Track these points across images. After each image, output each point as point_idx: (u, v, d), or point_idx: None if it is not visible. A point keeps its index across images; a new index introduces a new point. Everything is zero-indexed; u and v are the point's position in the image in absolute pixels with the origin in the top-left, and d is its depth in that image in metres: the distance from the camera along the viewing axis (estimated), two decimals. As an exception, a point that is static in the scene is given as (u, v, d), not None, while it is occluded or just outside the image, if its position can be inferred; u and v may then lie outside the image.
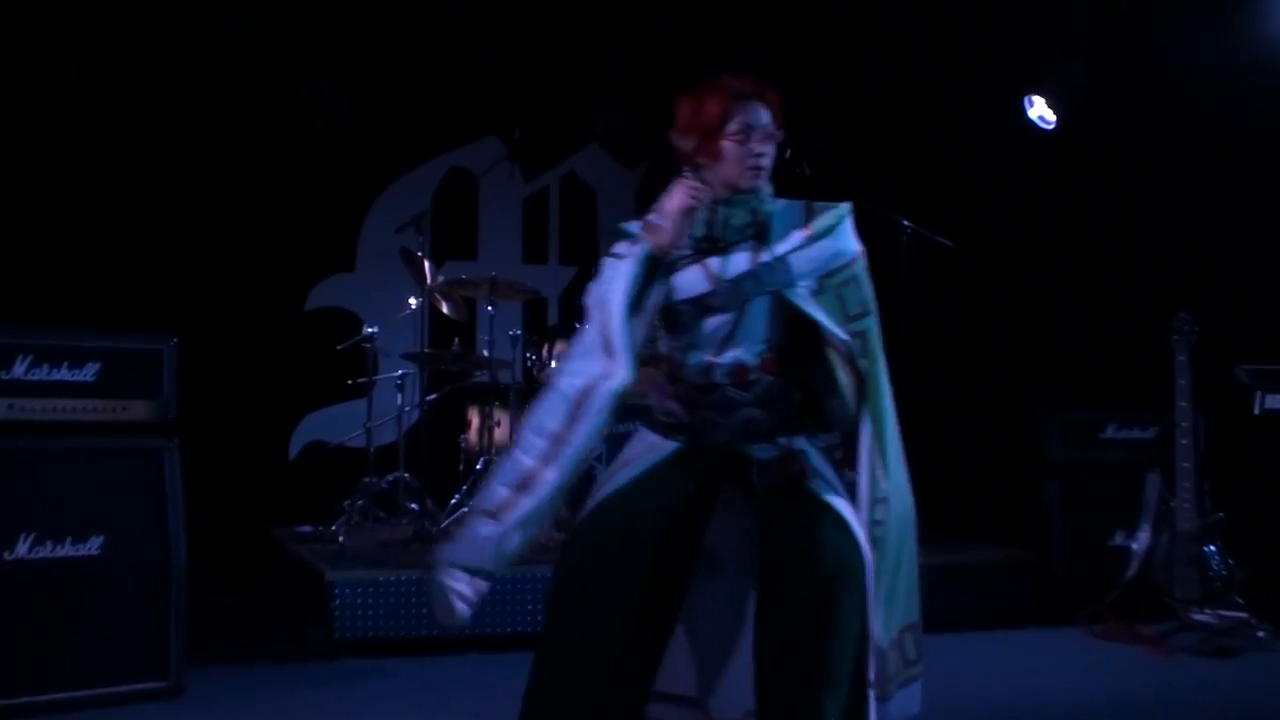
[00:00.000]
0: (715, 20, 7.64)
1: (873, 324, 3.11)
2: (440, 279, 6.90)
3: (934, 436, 7.28)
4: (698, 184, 3.04)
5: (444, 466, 7.09)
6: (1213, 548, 5.78)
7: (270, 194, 7.61)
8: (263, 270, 7.57)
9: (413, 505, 6.68)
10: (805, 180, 6.66)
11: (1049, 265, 7.36)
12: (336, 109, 7.64)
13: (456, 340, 7.02)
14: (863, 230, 3.22)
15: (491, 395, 6.83)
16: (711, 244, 3.09)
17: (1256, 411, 5.69)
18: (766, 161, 3.08)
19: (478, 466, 6.72)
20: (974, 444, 7.39)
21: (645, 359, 3.12)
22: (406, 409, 7.06)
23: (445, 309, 7.03)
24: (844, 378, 3.08)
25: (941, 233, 6.62)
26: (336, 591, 5.40)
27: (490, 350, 6.85)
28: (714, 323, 3.08)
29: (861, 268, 3.13)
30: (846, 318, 3.07)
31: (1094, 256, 7.18)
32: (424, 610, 5.44)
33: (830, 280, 3.09)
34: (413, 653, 5.35)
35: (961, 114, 7.59)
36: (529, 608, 5.46)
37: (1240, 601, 5.70)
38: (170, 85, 7.23)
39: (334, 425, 7.67)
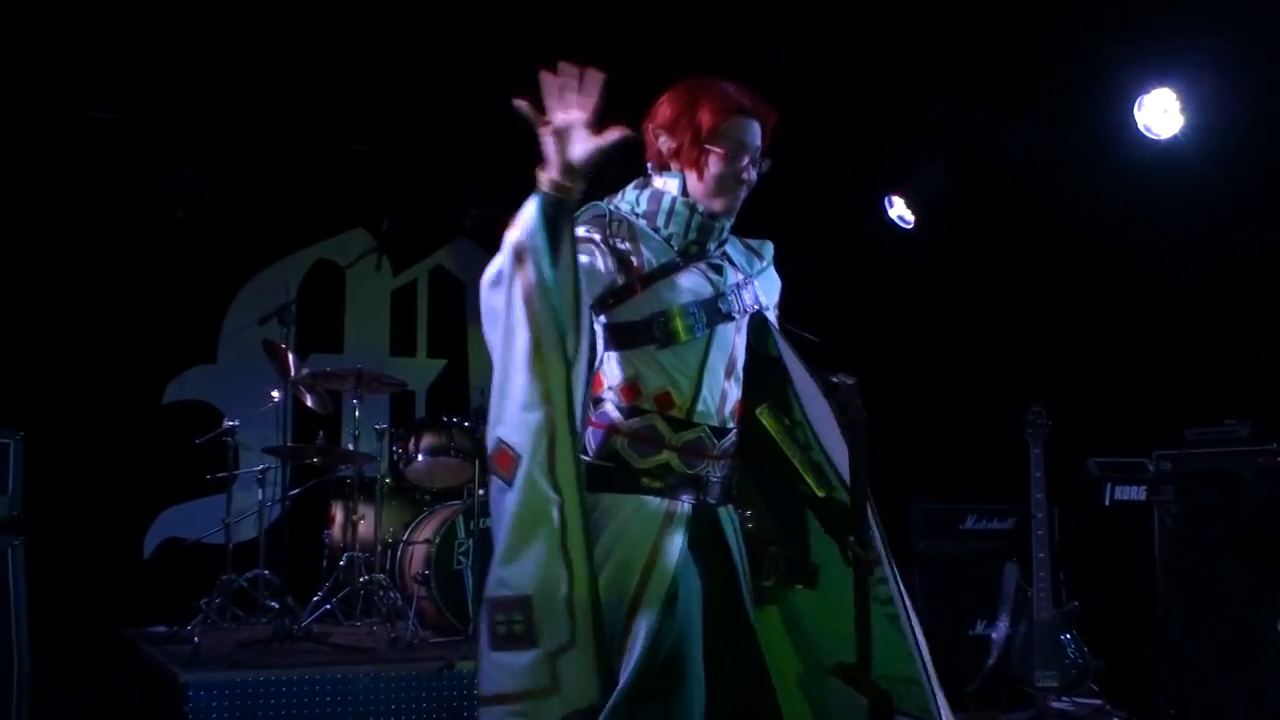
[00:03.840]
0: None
1: None
2: (304, 371, 6.86)
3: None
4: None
5: (306, 563, 7.01)
6: (1069, 636, 5.94)
7: (130, 284, 7.52)
8: (119, 362, 7.46)
9: (273, 603, 6.56)
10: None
11: (911, 360, 7.57)
12: (199, 199, 7.61)
13: (321, 434, 6.96)
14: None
15: (356, 490, 6.78)
16: (700, 249, 2.79)
17: (1107, 503, 5.89)
18: (746, 188, 2.82)
19: (340, 563, 6.64)
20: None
21: (619, 404, 2.71)
22: (268, 504, 6.97)
23: (309, 402, 6.98)
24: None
25: (805, 329, 6.78)
26: (190, 694, 5.25)
27: (355, 444, 6.81)
28: (723, 335, 2.75)
29: None
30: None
31: (953, 351, 7.41)
32: (282, 711, 5.34)
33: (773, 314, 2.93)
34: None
35: (824, 213, 7.82)
36: (393, 706, 5.39)
37: (1095, 689, 5.85)
38: (28, 172, 7.13)
39: (191, 521, 7.54)
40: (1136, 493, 5.76)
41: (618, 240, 2.72)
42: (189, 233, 7.67)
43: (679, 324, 2.71)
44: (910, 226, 7.36)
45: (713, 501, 2.78)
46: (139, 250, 7.56)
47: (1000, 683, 5.99)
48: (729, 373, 2.77)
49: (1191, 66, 5.79)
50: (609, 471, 2.68)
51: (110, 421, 7.38)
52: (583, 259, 2.57)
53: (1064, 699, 5.80)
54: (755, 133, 2.80)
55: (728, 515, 2.82)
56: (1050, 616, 5.94)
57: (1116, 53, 6.02)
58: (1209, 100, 5.77)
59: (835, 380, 2.84)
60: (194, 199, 7.62)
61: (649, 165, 2.88)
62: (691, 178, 2.80)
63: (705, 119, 2.75)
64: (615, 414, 2.72)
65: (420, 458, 6.72)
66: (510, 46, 6.91)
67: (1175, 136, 5.94)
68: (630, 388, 2.72)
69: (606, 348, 2.74)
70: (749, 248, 2.96)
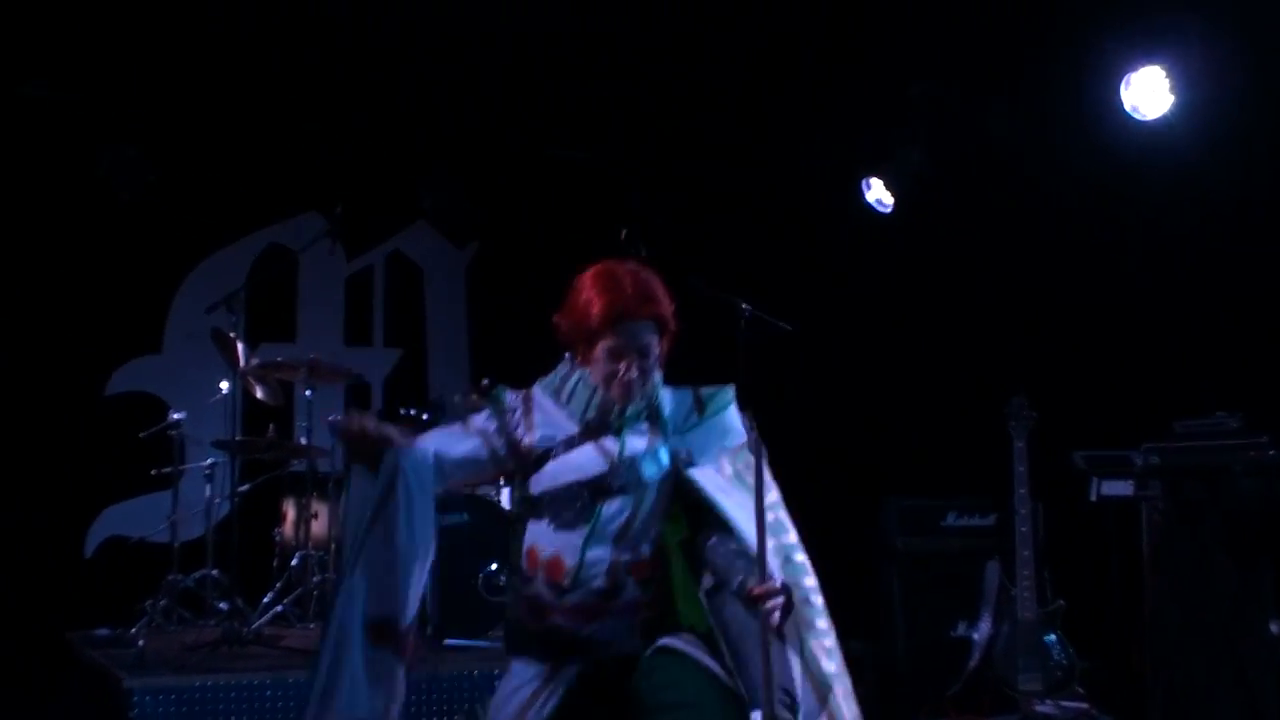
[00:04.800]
0: (548, 94, 7.72)
1: (778, 501, 3.19)
2: (254, 361, 6.78)
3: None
4: None
5: (257, 562, 6.95)
6: (1053, 637, 5.93)
7: (70, 269, 7.43)
8: (58, 352, 7.38)
9: (222, 604, 6.49)
10: (640, 261, 6.78)
11: (889, 349, 7.56)
12: (142, 179, 7.50)
13: (272, 427, 6.89)
14: (700, 314, 3.29)
15: (309, 485, 6.72)
16: (603, 425, 3.09)
17: (1093, 498, 5.88)
18: (637, 382, 3.08)
19: (293, 562, 6.59)
20: (814, 534, 7.47)
21: (519, 568, 3.07)
22: (216, 500, 6.89)
23: (260, 394, 6.91)
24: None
25: (781, 316, 6.75)
26: (135, 700, 5.19)
27: (309, 438, 6.75)
28: (613, 509, 3.05)
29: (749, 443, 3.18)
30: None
31: (932, 340, 7.40)
32: (231, 718, 5.28)
33: (734, 458, 3.17)
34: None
35: (801, 197, 7.79)
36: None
37: (1081, 691, 5.84)
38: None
39: (135, 519, 7.46)
40: (1123, 487, 5.75)
41: (514, 431, 3.08)
42: (132, 215, 7.58)
43: (558, 504, 3.04)
44: (889, 210, 7.34)
45: (619, 654, 3.02)
46: (78, 234, 7.46)
47: (982, 686, 5.99)
48: (620, 537, 3.03)
49: (1181, 43, 5.77)
50: (510, 633, 3.13)
51: (49, 414, 7.30)
52: (466, 449, 3.05)
53: (1048, 702, 5.79)
54: (640, 334, 3.07)
55: (661, 658, 3.00)
56: (1034, 616, 5.93)
57: (1103, 29, 6.01)
58: (1200, 78, 5.75)
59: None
60: (136, 179, 7.52)
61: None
62: (586, 365, 3.11)
63: (590, 318, 3.05)
64: (520, 582, 3.11)
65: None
66: (469, 24, 6.86)
67: (1164, 117, 5.93)
68: (530, 555, 3.08)
69: (515, 517, 3.14)
70: (696, 402, 3.20)
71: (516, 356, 7.76)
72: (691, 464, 3.11)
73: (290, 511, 7.00)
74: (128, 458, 7.16)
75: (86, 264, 7.51)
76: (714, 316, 7.00)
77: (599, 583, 3.01)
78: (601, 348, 3.05)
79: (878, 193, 7.39)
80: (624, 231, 6.84)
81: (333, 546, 6.61)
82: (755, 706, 2.95)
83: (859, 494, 7.21)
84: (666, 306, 3.11)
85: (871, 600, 6.86)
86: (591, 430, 3.08)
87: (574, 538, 3.02)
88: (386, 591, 2.92)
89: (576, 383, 3.11)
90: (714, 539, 3.07)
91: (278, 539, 7.05)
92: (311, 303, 8.36)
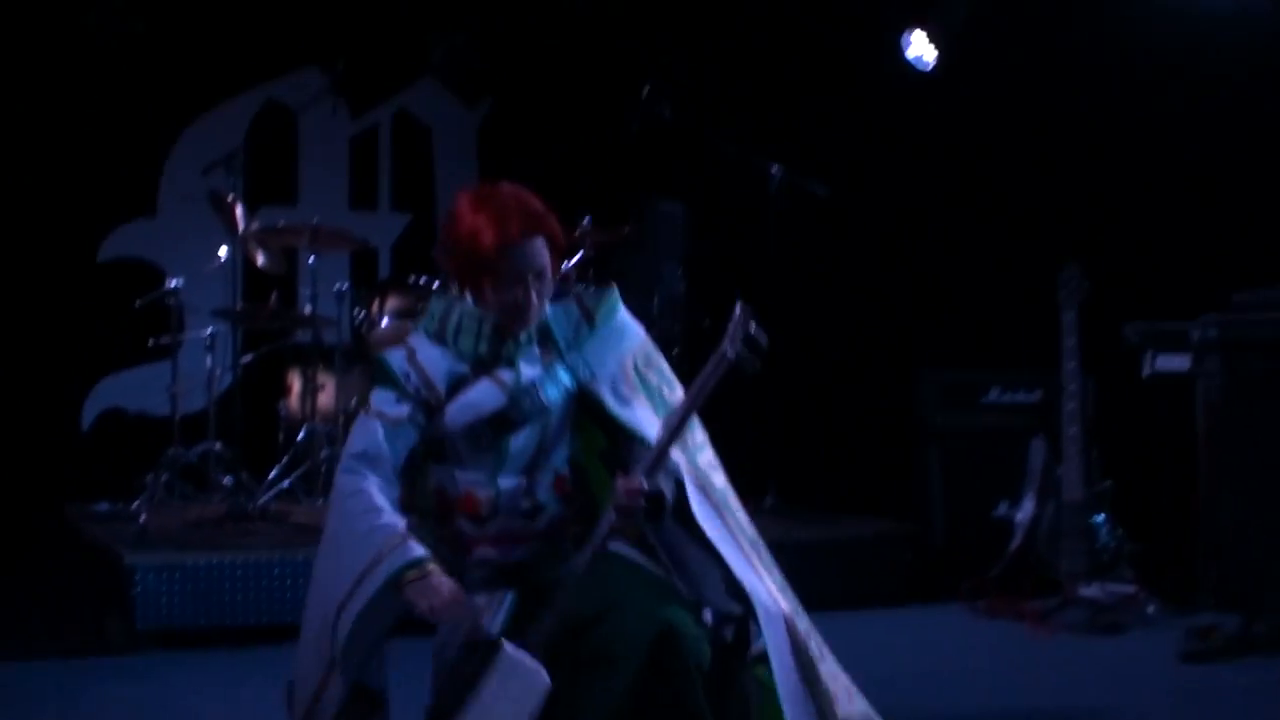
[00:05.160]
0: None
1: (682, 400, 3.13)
2: (255, 226, 6.76)
3: (806, 402, 7.42)
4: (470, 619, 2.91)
5: (261, 436, 7.00)
6: (1101, 518, 5.97)
7: (57, 128, 7.39)
8: (48, 215, 7.37)
9: (226, 479, 6.56)
10: (666, 124, 6.73)
11: (929, 215, 7.51)
12: (132, 30, 7.42)
13: (274, 295, 6.90)
14: (729, 178, 3.24)
15: (314, 357, 6.75)
16: (495, 358, 3.12)
17: (1146, 373, 5.87)
18: (534, 304, 3.09)
19: (299, 437, 6.64)
20: (850, 409, 7.52)
21: (430, 509, 3.14)
22: (217, 372, 6.94)
23: (260, 260, 6.89)
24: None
25: (815, 180, 6.71)
26: (137, 577, 5.29)
27: (313, 306, 6.76)
28: (520, 440, 3.09)
29: (652, 345, 3.27)
30: (664, 402, 3.15)
31: (976, 206, 7.34)
32: (237, 596, 5.37)
33: (633, 360, 3.21)
34: (224, 643, 5.27)
35: (835, 52, 7.68)
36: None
37: (1129, 575, 5.89)
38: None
39: (133, 391, 7.54)
40: (1179, 362, 5.73)
41: (418, 393, 3.07)
42: (122, 70, 7.50)
43: (462, 445, 3.07)
44: (930, 67, 7.23)
45: (554, 576, 3.03)
46: (65, 90, 7.40)
47: (1024, 568, 6.05)
48: (534, 465, 3.10)
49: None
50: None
51: (40, 282, 7.31)
52: (408, 445, 3.05)
53: (1094, 586, 5.84)
54: (531, 254, 3.04)
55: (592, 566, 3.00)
56: (1081, 497, 5.97)
57: None
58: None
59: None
60: (126, 30, 7.44)
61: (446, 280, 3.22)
62: (472, 293, 3.11)
63: (476, 249, 3.02)
64: (434, 523, 3.15)
65: (385, 321, 6.67)
66: None
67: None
68: (440, 496, 3.14)
69: (422, 459, 3.14)
70: (584, 312, 3.22)
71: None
72: (592, 378, 3.15)
73: (295, 384, 7.02)
74: (124, 327, 7.19)
75: (74, 123, 7.46)
76: (742, 180, 6.98)
77: (519, 506, 3.08)
78: (496, 276, 3.03)
79: (919, 48, 7.27)
80: (645, 88, 6.79)
81: (340, 420, 6.66)
82: (704, 606, 3.05)
83: (895, 368, 7.22)
84: (555, 222, 3.11)
85: (908, 480, 6.93)
86: (484, 365, 3.11)
87: (482, 474, 3.08)
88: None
89: (460, 319, 3.13)
90: (632, 449, 3.12)
91: (283, 412, 7.08)
92: (313, 164, 8.31)
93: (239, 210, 6.60)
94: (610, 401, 3.12)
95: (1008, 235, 7.12)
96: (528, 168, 8.02)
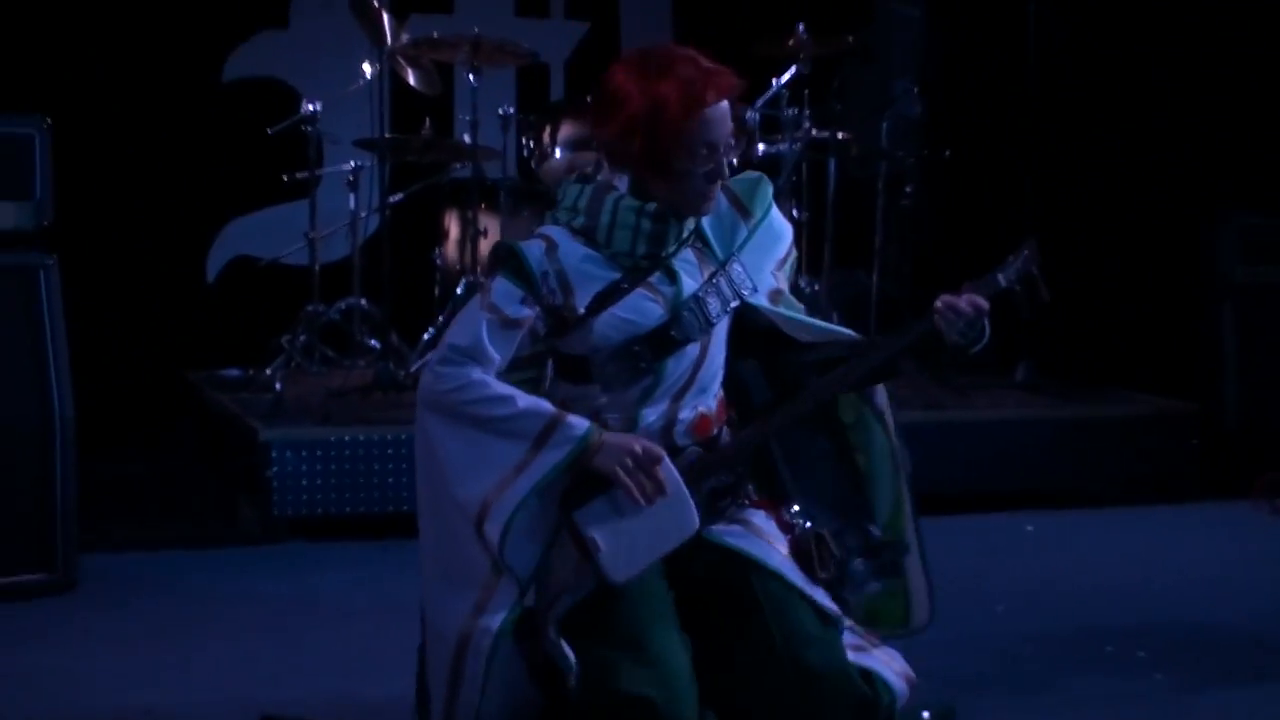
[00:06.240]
0: None
1: None
2: (404, 38, 6.78)
3: (1074, 255, 7.25)
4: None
5: (413, 290, 7.05)
6: None
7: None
8: (164, 29, 7.46)
9: (372, 342, 6.67)
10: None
11: (1229, 23, 7.19)
12: None
13: (427, 121, 6.93)
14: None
15: (475, 195, 6.76)
16: (652, 261, 3.10)
17: None
18: (724, 176, 3.09)
19: (458, 290, 6.69)
20: (1124, 259, 7.33)
21: None
22: (362, 214, 6.99)
23: (411, 79, 6.93)
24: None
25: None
26: (274, 456, 5.43)
27: (473, 135, 6.76)
28: (678, 362, 3.11)
29: (794, 248, 3.32)
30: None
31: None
32: (387, 479, 5.48)
33: (784, 269, 3.26)
34: (372, 533, 5.40)
35: None
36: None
37: None
38: None
39: (265, 236, 7.62)
40: None
41: (552, 299, 3.06)
42: None
43: (613, 368, 3.08)
44: None
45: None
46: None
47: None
48: (683, 392, 3.13)
49: None
50: None
51: (157, 106, 7.41)
52: (509, 354, 3.04)
53: None
54: (723, 119, 3.03)
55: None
56: None
57: None
58: None
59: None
60: None
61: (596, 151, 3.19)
62: (651, 178, 3.06)
63: (669, 122, 2.98)
64: None
65: (558, 153, 6.66)
66: None
67: None
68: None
69: (554, 373, 3.19)
70: (735, 204, 3.23)
71: (727, 22, 7.73)
72: (754, 290, 3.18)
73: (453, 228, 7.06)
74: (252, 160, 7.27)
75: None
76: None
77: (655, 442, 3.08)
78: (688, 150, 3.00)
79: None
80: None
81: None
82: (831, 528, 3.20)
83: (1187, 211, 7.00)
84: (737, 82, 3.06)
85: (1196, 349, 6.81)
86: (639, 272, 3.09)
87: (623, 398, 3.11)
88: None
89: (613, 211, 3.08)
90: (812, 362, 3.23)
91: (438, 262, 7.13)
92: (472, -40, 8.32)
93: (386, 20, 6.62)
94: (779, 315, 3.19)
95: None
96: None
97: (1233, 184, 7.01)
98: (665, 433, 3.10)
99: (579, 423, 2.97)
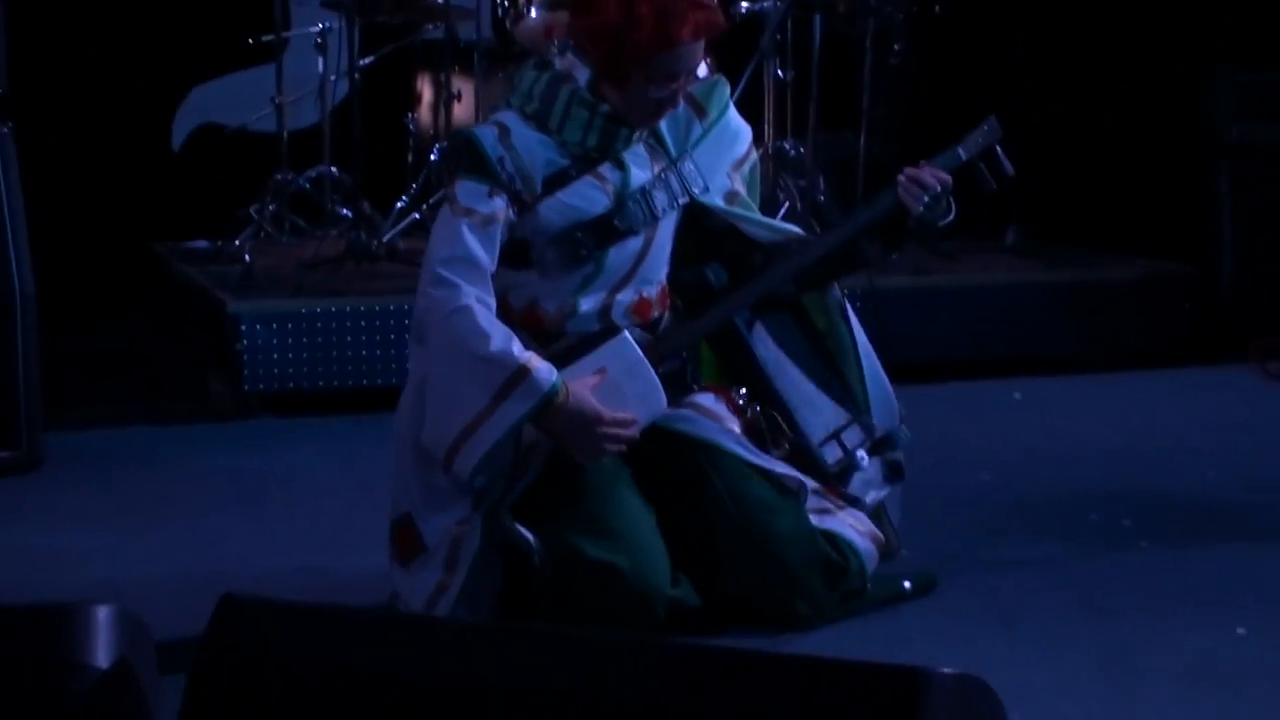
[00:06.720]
0: None
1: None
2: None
3: (1056, 107, 7.20)
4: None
5: (385, 157, 7.04)
6: None
7: None
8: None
9: (344, 210, 6.63)
10: None
11: None
12: None
13: (398, -21, 6.84)
14: None
15: (449, 57, 6.69)
16: (602, 152, 3.22)
17: None
18: (676, 106, 3.23)
19: (431, 157, 6.64)
20: (1115, 116, 7.28)
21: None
22: (331, 78, 6.93)
23: (380, -66, 6.83)
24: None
25: None
26: (244, 329, 5.41)
27: (447, -7, 6.69)
28: (620, 252, 3.24)
29: (754, 150, 3.50)
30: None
31: None
32: (362, 353, 5.46)
33: (741, 171, 3.42)
34: (345, 408, 5.40)
35: None
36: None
37: None
38: None
39: (231, 102, 7.54)
40: None
41: (512, 183, 3.17)
42: None
43: (552, 253, 3.21)
44: None
45: None
46: None
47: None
48: (623, 284, 3.27)
49: None
50: None
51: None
52: (490, 237, 3.15)
53: None
54: (691, 55, 3.16)
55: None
56: None
57: None
58: None
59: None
60: None
61: (557, 42, 3.36)
62: (606, 83, 3.19)
63: (636, 43, 3.08)
64: None
65: (534, 12, 6.57)
66: None
67: None
68: (503, 305, 3.24)
69: None
70: (691, 103, 3.34)
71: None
72: (705, 190, 3.32)
73: (426, 91, 7.02)
74: (217, 23, 7.20)
75: None
76: None
77: (590, 327, 3.25)
78: (646, 74, 3.12)
79: None
80: None
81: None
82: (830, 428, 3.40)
83: (1180, 66, 6.95)
84: (721, 14, 3.22)
85: (1189, 210, 6.78)
86: (588, 161, 3.22)
87: (565, 287, 3.25)
88: None
89: (568, 103, 3.19)
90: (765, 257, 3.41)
91: (411, 127, 7.10)
92: None
93: None
94: (733, 213, 3.37)
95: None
96: None
97: (1226, 38, 6.94)
98: (603, 314, 3.25)
99: (544, 378, 3.03)
